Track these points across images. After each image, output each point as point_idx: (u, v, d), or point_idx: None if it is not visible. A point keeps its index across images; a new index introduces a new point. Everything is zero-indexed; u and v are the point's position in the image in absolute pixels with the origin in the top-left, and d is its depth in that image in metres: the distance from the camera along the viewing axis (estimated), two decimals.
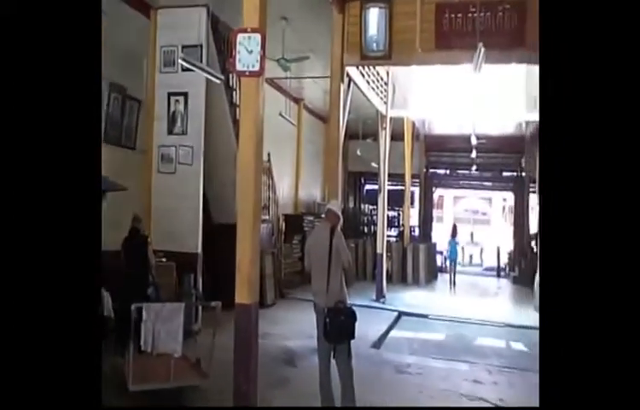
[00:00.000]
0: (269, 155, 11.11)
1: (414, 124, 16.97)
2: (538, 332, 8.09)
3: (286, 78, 12.24)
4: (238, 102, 8.76)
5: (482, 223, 35.05)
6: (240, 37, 4.70)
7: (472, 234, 28.76)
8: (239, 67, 4.73)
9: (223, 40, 9.02)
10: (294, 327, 8.47)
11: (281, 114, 13.49)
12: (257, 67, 4.67)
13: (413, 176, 18.36)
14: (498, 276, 19.98)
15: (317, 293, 4.98)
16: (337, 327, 4.75)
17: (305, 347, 7.12)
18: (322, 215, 5.83)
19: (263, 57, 4.69)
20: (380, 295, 12.10)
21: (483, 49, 6.81)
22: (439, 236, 26.41)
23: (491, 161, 21.46)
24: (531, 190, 19.55)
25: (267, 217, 11.36)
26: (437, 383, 6.31)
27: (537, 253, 16.39)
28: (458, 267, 20.59)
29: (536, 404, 5.91)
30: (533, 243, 18.23)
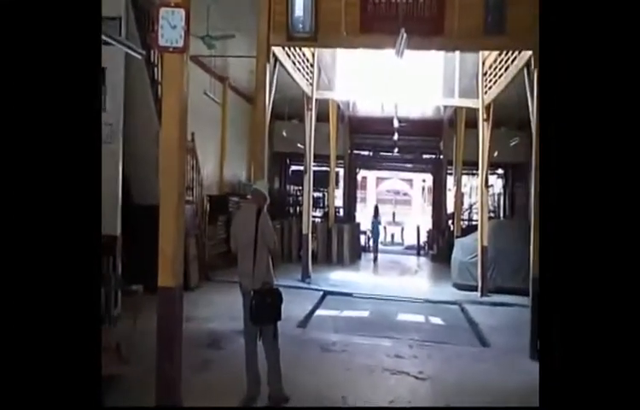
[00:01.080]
0: (192, 134, 10.81)
1: (339, 106, 17.16)
2: (454, 306, 8.59)
3: (211, 56, 11.91)
4: (160, 80, 8.42)
5: (404, 203, 36.37)
6: (163, 11, 4.51)
7: (394, 214, 29.67)
8: (162, 42, 4.54)
9: (144, 14, 8.61)
10: (219, 310, 8.39)
11: (205, 93, 13.12)
12: (181, 44, 4.51)
13: (338, 157, 18.60)
14: (418, 254, 20.83)
15: (244, 274, 4.97)
16: (263, 309, 4.78)
17: (230, 329, 7.08)
18: (248, 196, 5.78)
19: (187, 33, 4.54)
20: (305, 276, 12.25)
21: (405, 35, 7.00)
22: (363, 216, 27.04)
23: (412, 143, 22.19)
24: (448, 171, 20.48)
25: (191, 198, 11.08)
26: (361, 360, 6.52)
27: (453, 231, 17.30)
28: (380, 246, 21.30)
29: (448, 373, 6.26)
30: (450, 222, 19.19)
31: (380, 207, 22.32)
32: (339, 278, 13.49)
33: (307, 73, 12.06)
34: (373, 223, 19.73)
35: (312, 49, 11.70)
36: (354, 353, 6.81)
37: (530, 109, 7.78)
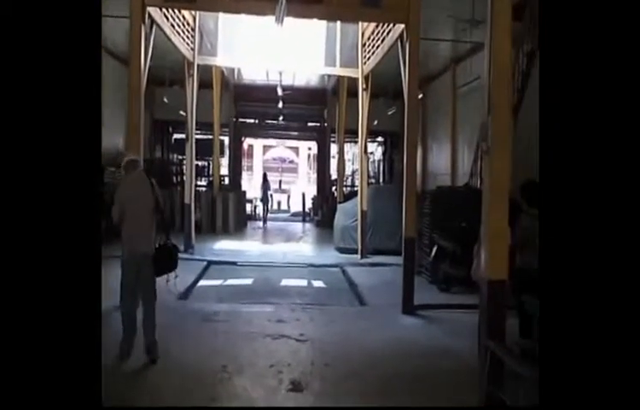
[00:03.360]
0: None
1: (223, 72, 16.73)
2: (336, 269, 8.89)
3: None
4: None
5: (290, 171, 36.71)
6: None
7: (280, 182, 29.90)
8: None
9: None
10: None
11: None
12: None
13: (222, 125, 18.22)
14: (304, 221, 21.28)
15: (137, 239, 5.24)
16: (164, 261, 5.32)
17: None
18: (122, 166, 5.58)
19: None
20: (188, 246, 11.97)
21: (284, 2, 6.98)
22: (250, 184, 26.90)
23: (297, 111, 22.36)
24: (332, 139, 21.00)
25: None
26: (243, 327, 6.57)
27: (336, 197, 17.87)
28: (268, 214, 21.46)
29: (329, 333, 6.50)
30: (334, 189, 19.80)
31: (267, 174, 22.44)
32: (224, 247, 13.37)
33: (188, 38, 11.56)
34: (263, 190, 20.19)
35: (193, 12, 11.24)
36: (236, 321, 6.84)
37: (403, 80, 8.21)
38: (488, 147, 4.55)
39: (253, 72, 19.25)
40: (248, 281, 10.10)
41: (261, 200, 21.09)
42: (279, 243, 15.32)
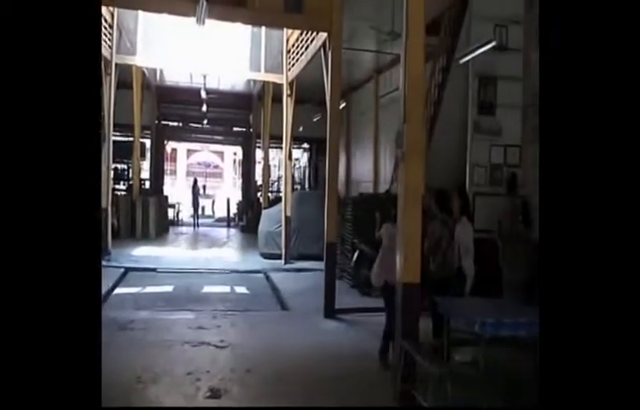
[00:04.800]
0: None
1: (144, 73, 16.18)
2: (259, 275, 8.84)
3: None
4: None
5: (215, 176, 36.08)
6: None
7: (204, 187, 29.31)
8: None
9: None
10: None
11: None
12: None
13: (144, 127, 17.61)
14: (228, 226, 20.99)
15: None
16: None
17: None
18: None
19: None
20: (104, 252, 11.41)
21: (205, 4, 6.89)
22: (174, 189, 26.14)
23: (222, 115, 22.09)
24: (257, 144, 20.91)
25: None
26: (161, 335, 6.36)
27: (262, 203, 17.81)
28: (191, 220, 20.99)
29: (250, 339, 6.48)
30: (259, 194, 19.71)
31: (191, 179, 22.11)
32: (143, 253, 12.90)
33: (106, 35, 11.09)
34: (193, 195, 20.37)
35: (110, 8, 10.80)
36: (154, 329, 6.62)
37: (325, 88, 8.34)
38: (403, 154, 4.74)
39: (177, 73, 18.77)
40: (168, 288, 9.80)
41: (192, 204, 21.14)
42: (202, 249, 15.01)
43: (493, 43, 7.34)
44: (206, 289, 9.87)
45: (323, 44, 8.49)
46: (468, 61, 7.93)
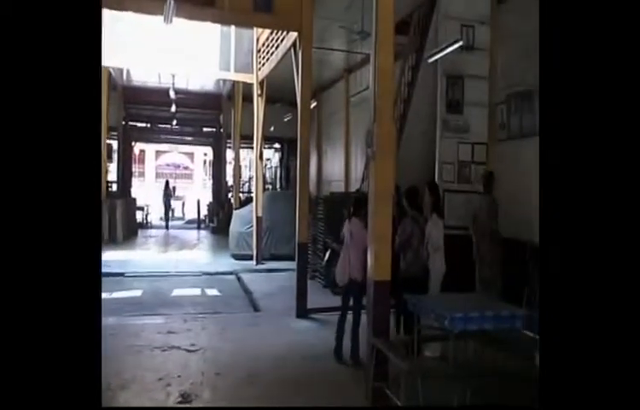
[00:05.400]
0: None
1: (110, 72, 15.83)
2: (231, 276, 8.71)
3: None
4: None
5: (185, 177, 35.63)
6: None
7: (174, 188, 28.92)
8: None
9: None
10: None
11: None
12: None
13: (110, 128, 17.25)
14: (199, 228, 20.74)
15: None
16: None
17: None
18: None
19: None
20: None
21: (173, 2, 6.78)
22: (142, 191, 25.69)
23: (192, 116, 21.81)
24: (228, 145, 20.73)
25: None
26: (130, 341, 6.23)
27: (232, 204, 17.65)
28: (160, 222, 20.70)
29: (221, 341, 6.40)
30: (230, 195, 19.54)
31: (161, 182, 21.83)
32: (110, 257, 12.59)
33: None
34: (164, 196, 20.40)
35: None
36: (122, 335, 6.47)
37: (296, 87, 8.31)
38: (374, 153, 4.76)
39: (144, 73, 18.45)
40: (137, 293, 9.61)
41: (163, 206, 21.17)
42: (172, 252, 14.78)
43: (460, 43, 7.44)
44: (176, 292, 9.71)
45: (294, 44, 8.46)
46: (436, 61, 8.02)
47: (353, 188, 13.80)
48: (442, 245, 5.96)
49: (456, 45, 7.34)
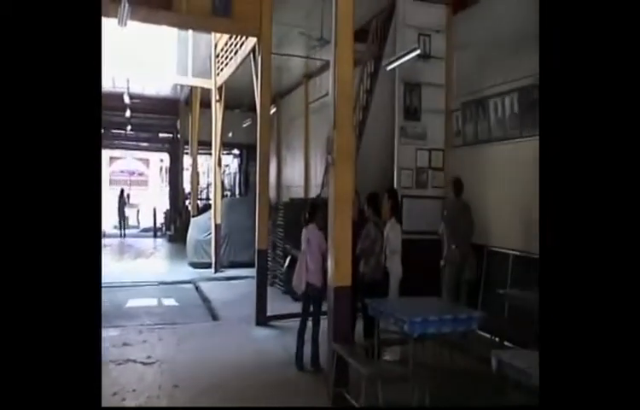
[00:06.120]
0: None
1: None
2: (189, 285, 8.53)
3: None
4: None
5: (139, 184, 34.76)
6: None
7: (128, 196, 28.16)
8: None
9: None
10: None
11: None
12: None
13: None
14: (155, 236, 20.29)
15: None
16: None
17: None
18: None
19: None
20: None
21: (127, 5, 6.61)
22: None
23: (147, 121, 21.34)
24: (185, 151, 20.36)
25: None
26: None
27: (190, 211, 17.33)
28: (114, 230, 20.14)
29: (179, 353, 6.25)
30: (188, 202, 19.20)
31: (114, 188, 21.31)
32: None
33: None
34: (119, 204, 20.09)
35: None
36: None
37: (255, 93, 8.25)
38: (333, 159, 4.77)
39: None
40: None
41: (118, 215, 20.83)
42: (127, 261, 14.37)
43: (418, 51, 7.58)
44: (132, 302, 9.42)
45: (253, 49, 8.40)
46: (394, 68, 8.14)
47: (313, 194, 13.82)
48: (400, 249, 6.02)
49: (413, 53, 7.47)
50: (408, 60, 7.65)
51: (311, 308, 5.79)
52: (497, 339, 5.71)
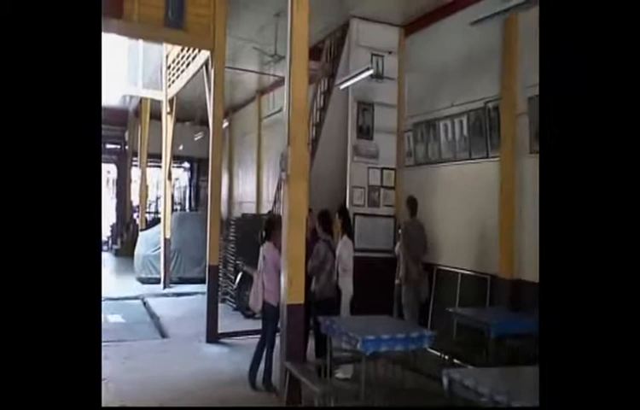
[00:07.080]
0: None
1: None
2: (136, 301, 8.27)
3: None
4: None
5: None
6: None
7: None
8: None
9: None
10: None
11: None
12: None
13: None
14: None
15: None
16: None
17: None
18: None
19: None
20: None
21: None
22: None
23: None
24: (134, 163, 19.83)
25: None
26: None
27: (138, 224, 16.85)
28: None
29: (126, 372, 6.05)
30: (136, 215, 18.66)
31: None
32: None
33: None
34: None
35: None
36: None
37: (208, 106, 8.17)
38: (287, 176, 4.78)
39: None
40: None
41: None
42: None
43: (371, 71, 7.73)
44: None
45: (206, 62, 8.32)
46: (347, 87, 8.26)
47: (265, 209, 13.75)
48: (351, 267, 6.08)
49: (366, 73, 7.62)
50: (361, 79, 7.79)
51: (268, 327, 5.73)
52: (446, 357, 5.82)
